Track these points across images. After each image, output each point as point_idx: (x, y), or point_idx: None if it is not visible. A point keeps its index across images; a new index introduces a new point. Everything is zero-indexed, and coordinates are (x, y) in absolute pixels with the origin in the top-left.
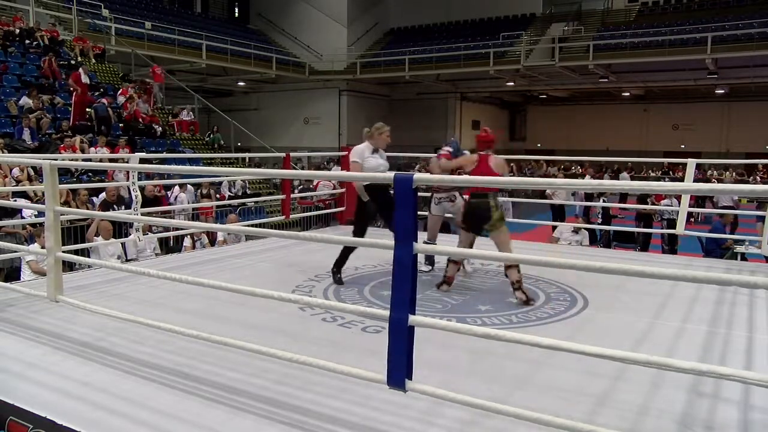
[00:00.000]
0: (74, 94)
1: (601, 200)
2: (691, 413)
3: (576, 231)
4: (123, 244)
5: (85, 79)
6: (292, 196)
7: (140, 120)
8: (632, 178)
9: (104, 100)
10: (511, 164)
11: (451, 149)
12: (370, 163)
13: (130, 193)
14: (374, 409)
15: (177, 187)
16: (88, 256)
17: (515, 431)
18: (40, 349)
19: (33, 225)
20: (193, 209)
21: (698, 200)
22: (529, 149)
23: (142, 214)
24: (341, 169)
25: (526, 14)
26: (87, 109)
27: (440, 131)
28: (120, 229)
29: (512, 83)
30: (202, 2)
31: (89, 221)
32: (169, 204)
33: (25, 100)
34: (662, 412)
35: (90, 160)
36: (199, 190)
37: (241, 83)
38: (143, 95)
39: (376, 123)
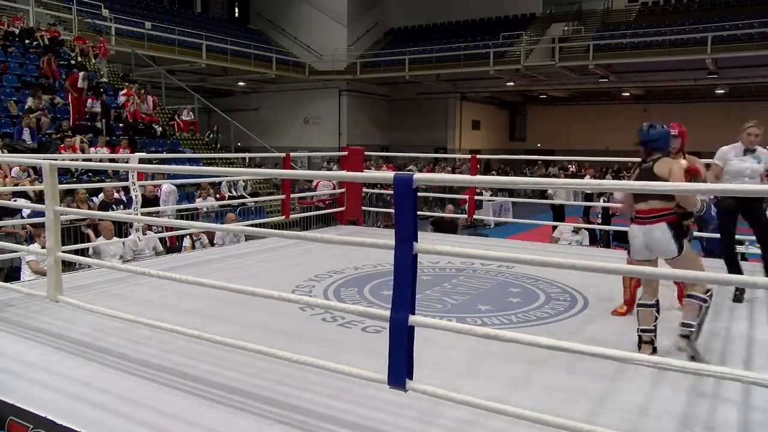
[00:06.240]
0: (70, 95)
1: (602, 200)
2: (691, 413)
3: (576, 231)
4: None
5: (81, 83)
6: (291, 196)
7: (140, 120)
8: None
9: (98, 101)
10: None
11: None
12: (732, 167)
13: (130, 193)
14: (374, 409)
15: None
16: (89, 257)
17: (515, 431)
18: (40, 349)
19: (33, 225)
20: (192, 209)
21: None
22: (529, 149)
23: (142, 214)
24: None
25: (526, 14)
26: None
27: (440, 131)
28: (121, 230)
29: (512, 83)
30: (202, 2)
31: (88, 221)
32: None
33: (30, 101)
34: (662, 412)
35: (90, 160)
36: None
37: (241, 83)
38: (143, 96)
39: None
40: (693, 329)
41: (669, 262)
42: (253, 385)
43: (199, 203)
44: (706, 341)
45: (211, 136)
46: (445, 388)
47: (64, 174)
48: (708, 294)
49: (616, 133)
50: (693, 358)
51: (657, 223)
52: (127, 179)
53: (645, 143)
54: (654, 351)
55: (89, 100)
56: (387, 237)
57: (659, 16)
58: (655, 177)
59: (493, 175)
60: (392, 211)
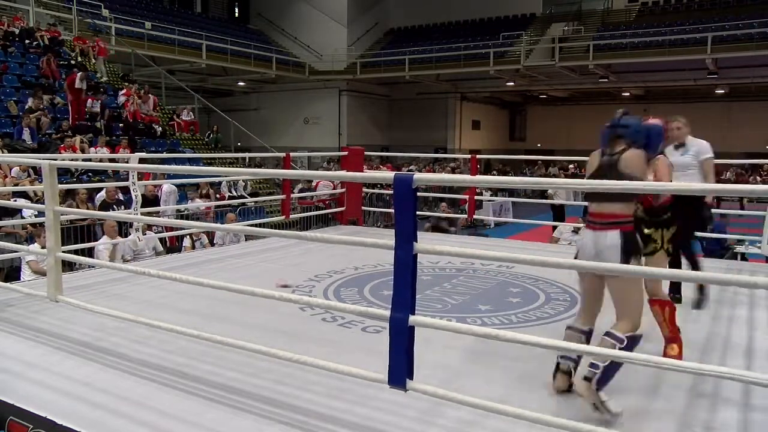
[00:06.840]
0: (69, 95)
1: None
2: (691, 413)
3: (576, 231)
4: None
5: (79, 84)
6: (292, 195)
7: (140, 120)
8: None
9: (98, 101)
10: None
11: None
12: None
13: (130, 193)
14: (375, 409)
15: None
16: (90, 257)
17: (515, 431)
18: (40, 349)
19: (33, 225)
20: (184, 210)
21: None
22: (529, 149)
23: (142, 215)
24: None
25: (526, 14)
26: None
27: (440, 131)
28: (121, 230)
29: (512, 83)
30: (202, 2)
31: (88, 221)
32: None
33: (30, 101)
34: (662, 412)
35: (90, 160)
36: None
37: (241, 83)
38: (144, 96)
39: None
40: (597, 371)
41: (608, 283)
42: (253, 385)
43: (190, 204)
44: (706, 341)
45: (211, 136)
46: (445, 388)
47: (64, 174)
48: (632, 336)
49: None
50: (595, 408)
51: (609, 231)
52: (127, 179)
53: (611, 127)
54: (569, 384)
55: (89, 100)
56: (387, 237)
57: (659, 16)
58: (618, 174)
59: (493, 175)
60: (392, 211)
